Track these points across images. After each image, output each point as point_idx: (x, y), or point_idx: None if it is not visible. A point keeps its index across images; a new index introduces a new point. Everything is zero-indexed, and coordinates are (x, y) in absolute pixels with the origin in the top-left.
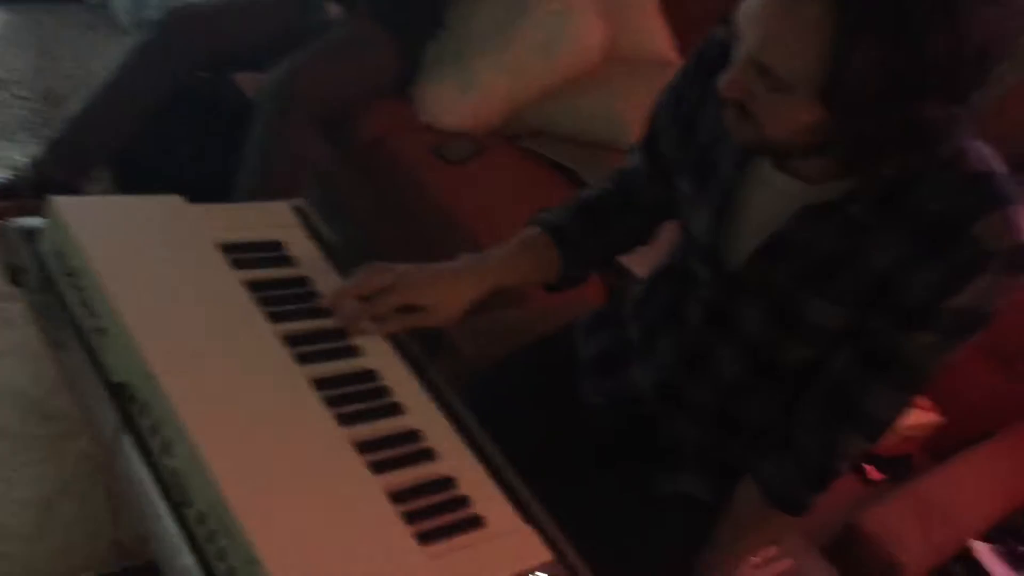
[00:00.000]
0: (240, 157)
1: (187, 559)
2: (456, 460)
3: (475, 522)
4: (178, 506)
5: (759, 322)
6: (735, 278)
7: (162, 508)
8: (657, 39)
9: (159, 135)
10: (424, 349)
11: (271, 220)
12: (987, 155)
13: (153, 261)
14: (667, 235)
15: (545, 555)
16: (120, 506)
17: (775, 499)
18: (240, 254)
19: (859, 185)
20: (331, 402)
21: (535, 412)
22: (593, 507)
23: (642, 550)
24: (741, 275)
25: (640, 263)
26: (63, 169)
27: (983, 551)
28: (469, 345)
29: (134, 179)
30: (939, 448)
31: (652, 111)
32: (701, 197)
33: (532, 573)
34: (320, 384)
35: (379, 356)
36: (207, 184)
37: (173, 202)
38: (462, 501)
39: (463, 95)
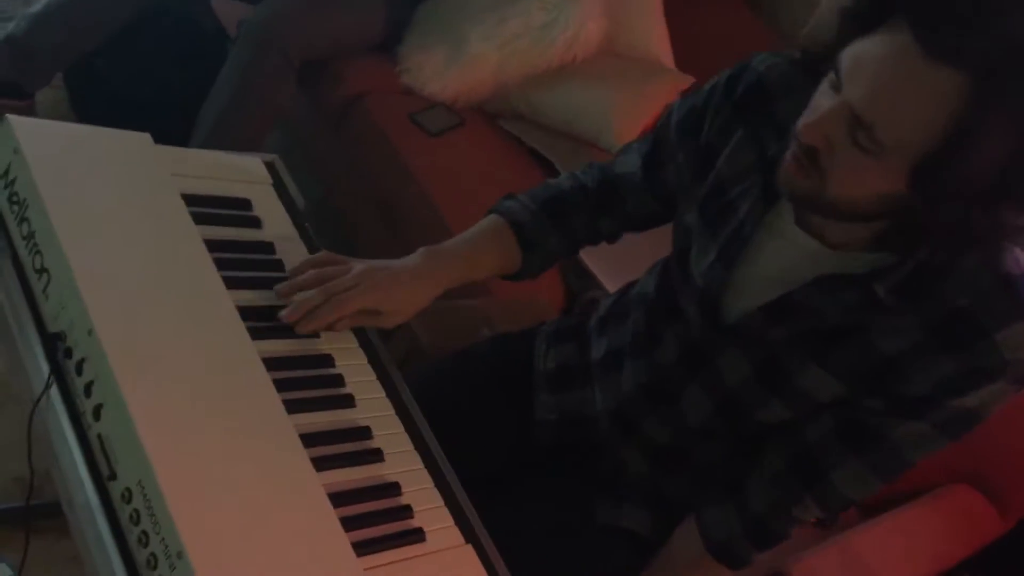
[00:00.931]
0: (206, 90)
1: (106, 539)
2: (403, 464)
3: (415, 535)
4: (101, 478)
5: (743, 377)
6: (729, 328)
7: (85, 477)
8: (656, 43)
9: (123, 50)
10: (379, 333)
11: (242, 174)
12: (1021, 256)
13: (111, 203)
14: (638, 248)
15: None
16: (35, 448)
17: (714, 548)
18: (205, 208)
19: (888, 263)
20: (282, 385)
21: (484, 418)
22: (530, 526)
23: None
24: (737, 327)
25: (608, 274)
26: (14, 68)
27: None
28: (425, 333)
29: (88, 92)
30: (868, 500)
31: (660, 123)
32: (708, 235)
33: None
34: (272, 364)
35: (336, 340)
36: (165, 111)
37: (140, 140)
38: (405, 510)
39: (450, 65)
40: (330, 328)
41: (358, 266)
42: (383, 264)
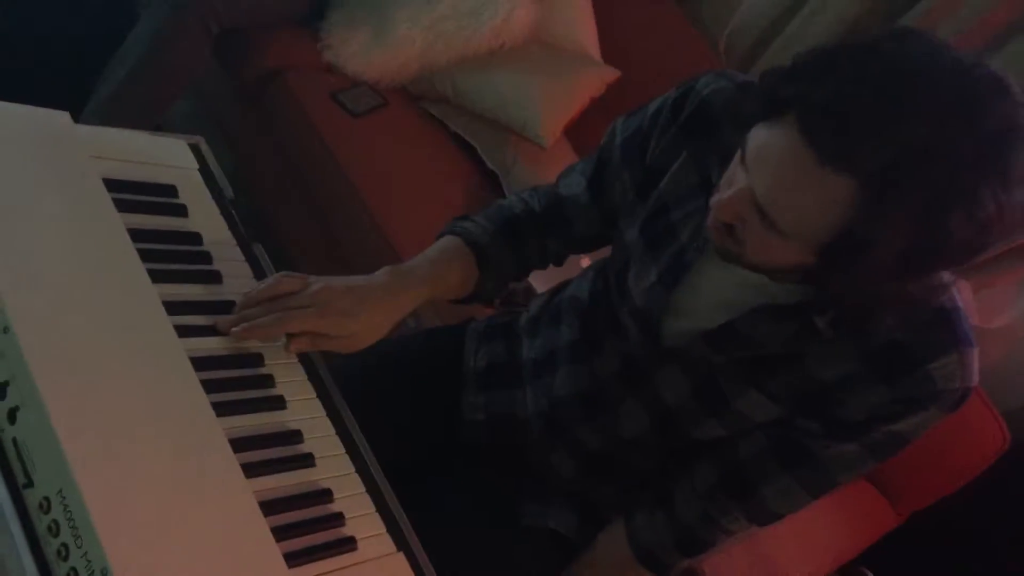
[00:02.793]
0: (114, 50)
1: (21, 550)
2: (334, 470)
3: (347, 544)
4: (16, 485)
5: (681, 396)
6: (669, 349)
7: None
8: (583, 34)
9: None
10: None
11: (166, 158)
12: (955, 291)
13: (27, 188)
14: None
15: None
16: None
17: (640, 553)
18: (128, 194)
19: (826, 300)
20: (210, 387)
21: (412, 412)
22: (454, 523)
23: None
24: (677, 349)
25: (537, 275)
26: None
27: None
28: None
29: None
30: None
31: (603, 143)
32: (649, 255)
33: None
34: (200, 364)
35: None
36: (64, 69)
37: (58, 119)
38: (337, 518)
39: (375, 44)
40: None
41: (316, 284)
42: (344, 284)
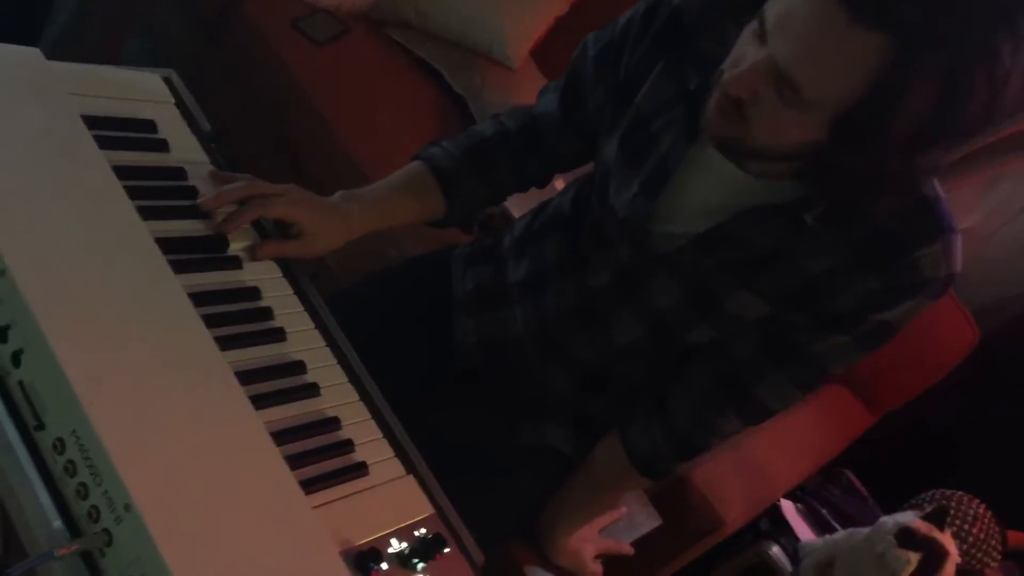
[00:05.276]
0: None
1: (39, 491)
2: (339, 398)
3: (359, 469)
4: (27, 428)
5: (673, 301)
6: (659, 257)
7: (9, 427)
8: None
9: None
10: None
11: (142, 92)
12: (936, 181)
13: (8, 130)
14: None
15: (427, 508)
16: None
17: (638, 462)
18: (109, 131)
19: (813, 194)
20: (210, 321)
21: (405, 341)
22: (454, 446)
23: (499, 495)
24: (667, 256)
25: (514, 200)
26: None
27: (789, 509)
28: (331, 254)
29: None
30: None
31: (574, 59)
32: (629, 167)
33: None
34: (198, 299)
35: (260, 270)
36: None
37: (29, 56)
38: (346, 445)
39: None
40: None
41: (284, 184)
42: (306, 192)
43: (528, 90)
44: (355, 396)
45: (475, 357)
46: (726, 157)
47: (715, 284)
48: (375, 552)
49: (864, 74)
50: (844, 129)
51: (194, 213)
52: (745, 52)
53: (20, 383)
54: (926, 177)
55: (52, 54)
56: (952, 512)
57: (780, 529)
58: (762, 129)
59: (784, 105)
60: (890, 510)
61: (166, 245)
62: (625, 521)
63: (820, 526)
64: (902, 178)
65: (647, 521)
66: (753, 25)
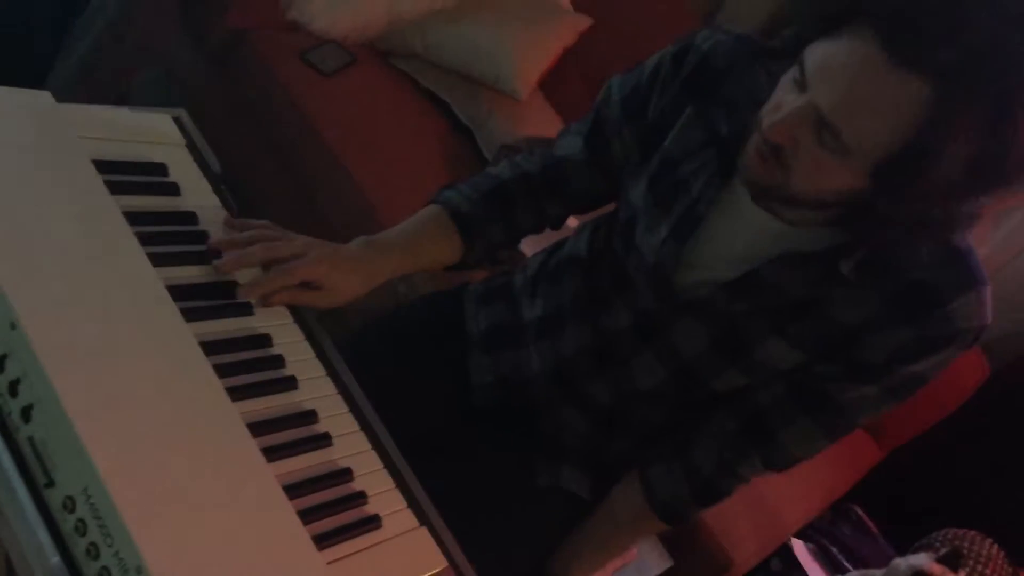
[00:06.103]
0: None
1: (48, 552)
2: (351, 448)
3: (372, 522)
4: (36, 485)
5: (699, 347)
6: (685, 302)
7: (18, 485)
8: None
9: None
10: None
11: (152, 134)
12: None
13: (18, 175)
14: None
15: (440, 562)
16: None
17: (657, 506)
18: (120, 175)
19: (847, 242)
20: (222, 371)
21: (421, 382)
22: (469, 488)
23: (513, 537)
24: (694, 301)
25: (526, 240)
26: None
27: (800, 549)
28: None
29: None
30: None
31: (599, 102)
32: (658, 212)
33: None
34: (209, 348)
35: (271, 316)
36: (12, 42)
37: (40, 99)
38: (359, 497)
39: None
40: (267, 302)
41: (301, 238)
42: (324, 242)
43: (535, 121)
44: (367, 445)
45: (491, 397)
46: (758, 205)
47: (744, 330)
48: None
49: (905, 119)
50: (885, 176)
51: (205, 259)
52: (784, 99)
53: (30, 439)
54: (967, 225)
55: (65, 87)
56: (965, 553)
57: (792, 570)
58: (802, 176)
59: (824, 152)
60: (899, 547)
61: (177, 292)
62: (636, 563)
63: (832, 566)
64: (942, 226)
65: (658, 563)
66: (792, 72)
